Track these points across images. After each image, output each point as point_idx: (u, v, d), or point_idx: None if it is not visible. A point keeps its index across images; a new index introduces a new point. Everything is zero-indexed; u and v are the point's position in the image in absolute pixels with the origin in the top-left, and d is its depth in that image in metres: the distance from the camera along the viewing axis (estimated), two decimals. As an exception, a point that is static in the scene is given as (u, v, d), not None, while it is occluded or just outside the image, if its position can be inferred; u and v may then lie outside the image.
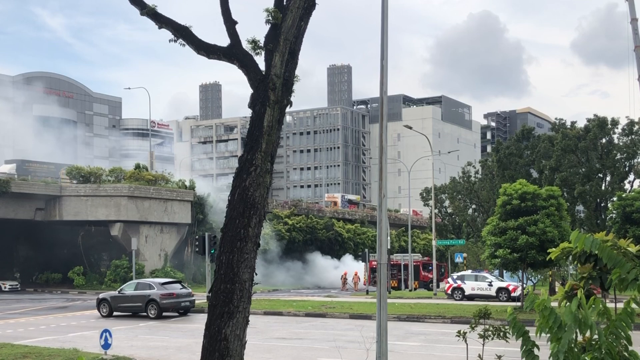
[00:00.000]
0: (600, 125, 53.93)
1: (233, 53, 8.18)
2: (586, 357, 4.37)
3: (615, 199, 37.25)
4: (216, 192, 64.66)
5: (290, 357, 19.52)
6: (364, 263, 54.28)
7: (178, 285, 33.62)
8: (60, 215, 54.13)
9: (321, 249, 70.05)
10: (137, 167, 59.92)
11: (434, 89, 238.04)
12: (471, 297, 40.75)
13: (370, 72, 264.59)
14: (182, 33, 8.26)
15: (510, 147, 61.08)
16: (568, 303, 4.57)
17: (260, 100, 7.94)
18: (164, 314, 31.59)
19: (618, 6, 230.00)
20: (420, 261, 56.44)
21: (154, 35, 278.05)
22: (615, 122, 54.38)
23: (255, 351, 18.69)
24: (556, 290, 6.24)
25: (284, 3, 8.06)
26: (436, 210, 63.57)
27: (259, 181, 7.84)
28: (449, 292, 42.24)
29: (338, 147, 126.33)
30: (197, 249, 38.62)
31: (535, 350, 4.57)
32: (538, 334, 4.51)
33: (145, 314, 31.41)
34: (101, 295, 33.16)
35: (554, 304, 4.72)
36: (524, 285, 34.82)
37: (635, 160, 54.58)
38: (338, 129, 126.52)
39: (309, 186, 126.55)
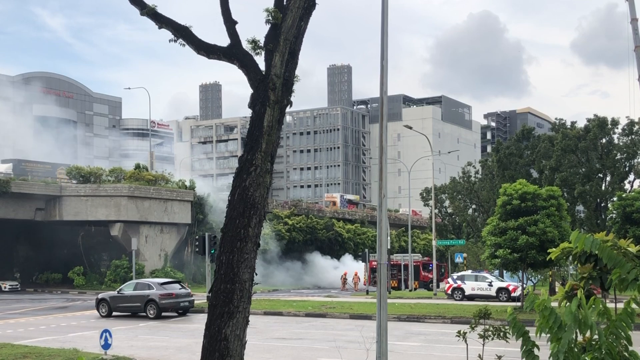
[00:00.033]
0: (600, 125, 53.97)
1: (233, 53, 8.17)
2: (586, 357, 4.36)
3: (615, 199, 37.29)
4: (216, 192, 64.69)
5: (290, 357, 19.52)
6: (364, 263, 54.26)
7: (177, 285, 33.69)
8: (60, 215, 54.13)
9: (321, 249, 70.04)
10: (137, 167, 59.96)
11: (434, 89, 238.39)
12: (471, 297, 40.75)
13: (370, 72, 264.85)
14: (182, 33, 8.26)
15: (510, 147, 61.13)
16: (568, 303, 4.57)
17: (260, 100, 7.93)
18: (163, 314, 31.62)
19: (618, 6, 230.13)
20: (420, 261, 56.41)
21: (154, 35, 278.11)
22: (615, 122, 54.44)
23: (255, 351, 18.69)
24: (556, 290, 6.24)
25: (284, 3, 8.05)
26: (436, 211, 63.56)
27: (259, 181, 7.84)
28: (449, 292, 42.24)
29: (338, 147, 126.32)
30: (197, 249, 38.63)
31: (535, 351, 4.56)
32: (538, 334, 4.50)
33: (144, 314, 31.43)
34: (100, 296, 33.18)
35: (554, 304, 4.72)
36: (524, 286, 34.81)
37: (635, 160, 54.62)
38: (338, 129, 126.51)
39: (309, 186, 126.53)
